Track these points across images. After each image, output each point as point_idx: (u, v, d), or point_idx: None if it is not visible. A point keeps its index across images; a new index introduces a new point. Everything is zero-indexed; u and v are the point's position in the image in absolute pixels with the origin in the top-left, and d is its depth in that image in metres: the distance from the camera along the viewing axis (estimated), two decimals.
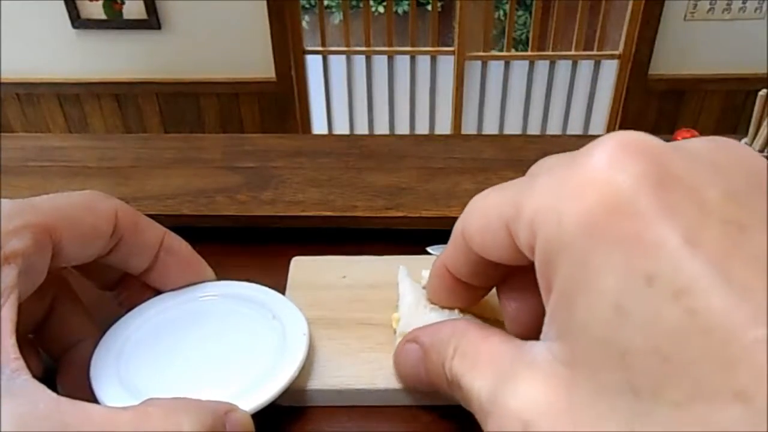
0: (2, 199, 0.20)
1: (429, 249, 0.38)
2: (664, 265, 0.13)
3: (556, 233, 0.15)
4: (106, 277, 0.28)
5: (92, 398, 0.22)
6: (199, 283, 0.28)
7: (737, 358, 0.12)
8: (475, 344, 0.19)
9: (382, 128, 2.62)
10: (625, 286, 0.13)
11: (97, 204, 0.23)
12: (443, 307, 0.25)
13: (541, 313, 0.17)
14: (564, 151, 0.17)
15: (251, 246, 0.41)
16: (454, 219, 0.21)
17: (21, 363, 0.17)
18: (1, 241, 0.18)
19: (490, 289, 0.24)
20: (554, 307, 0.16)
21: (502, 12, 3.36)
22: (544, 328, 0.16)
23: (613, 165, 0.14)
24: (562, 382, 0.15)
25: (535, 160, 0.19)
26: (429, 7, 2.44)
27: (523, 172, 0.19)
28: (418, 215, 0.43)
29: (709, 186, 0.14)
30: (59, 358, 0.25)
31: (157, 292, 0.27)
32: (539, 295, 0.17)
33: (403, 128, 2.61)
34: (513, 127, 2.55)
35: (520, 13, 3.99)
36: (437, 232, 0.40)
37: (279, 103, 2.23)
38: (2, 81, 2.17)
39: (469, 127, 2.52)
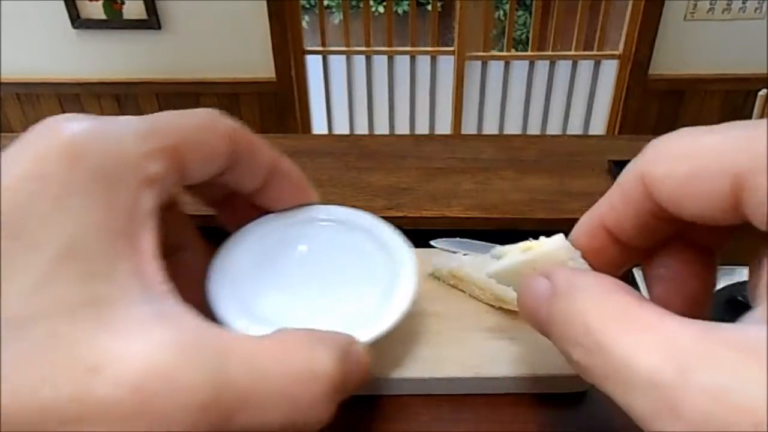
0: (128, 117, 0.19)
1: (433, 242, 0.38)
2: None
3: None
4: (212, 195, 0.27)
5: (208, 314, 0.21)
6: (306, 205, 0.27)
7: None
8: (626, 306, 0.16)
9: (382, 128, 2.62)
10: None
11: (216, 124, 0.22)
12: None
13: (694, 298, 0.15)
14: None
15: None
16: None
17: (168, 287, 0.17)
18: (141, 165, 0.18)
19: (647, 253, 0.21)
20: None
21: (502, 12, 3.36)
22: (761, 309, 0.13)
23: None
24: None
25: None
26: (429, 7, 2.44)
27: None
28: (418, 215, 0.43)
29: None
30: None
31: (261, 213, 0.27)
32: (697, 274, 0.15)
33: (403, 128, 2.61)
34: (513, 127, 2.55)
35: (520, 13, 4.00)
36: (437, 232, 0.40)
37: (279, 103, 2.23)
38: (2, 81, 2.17)
39: (469, 127, 2.52)
